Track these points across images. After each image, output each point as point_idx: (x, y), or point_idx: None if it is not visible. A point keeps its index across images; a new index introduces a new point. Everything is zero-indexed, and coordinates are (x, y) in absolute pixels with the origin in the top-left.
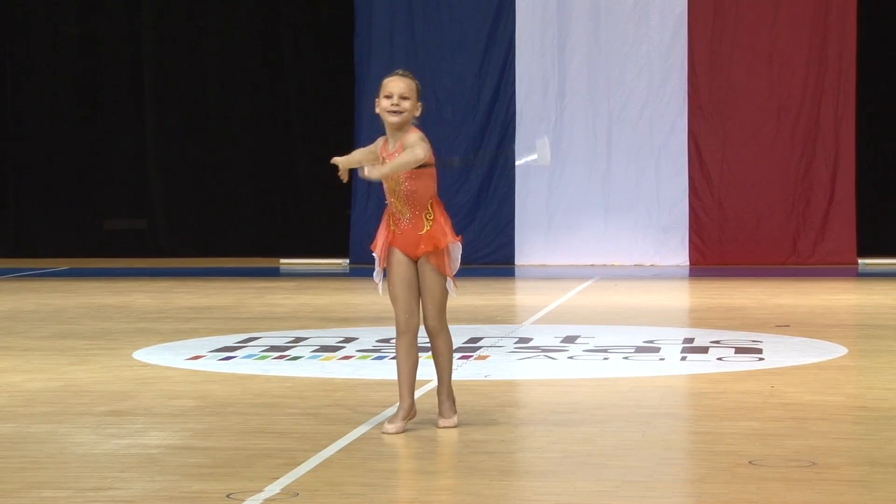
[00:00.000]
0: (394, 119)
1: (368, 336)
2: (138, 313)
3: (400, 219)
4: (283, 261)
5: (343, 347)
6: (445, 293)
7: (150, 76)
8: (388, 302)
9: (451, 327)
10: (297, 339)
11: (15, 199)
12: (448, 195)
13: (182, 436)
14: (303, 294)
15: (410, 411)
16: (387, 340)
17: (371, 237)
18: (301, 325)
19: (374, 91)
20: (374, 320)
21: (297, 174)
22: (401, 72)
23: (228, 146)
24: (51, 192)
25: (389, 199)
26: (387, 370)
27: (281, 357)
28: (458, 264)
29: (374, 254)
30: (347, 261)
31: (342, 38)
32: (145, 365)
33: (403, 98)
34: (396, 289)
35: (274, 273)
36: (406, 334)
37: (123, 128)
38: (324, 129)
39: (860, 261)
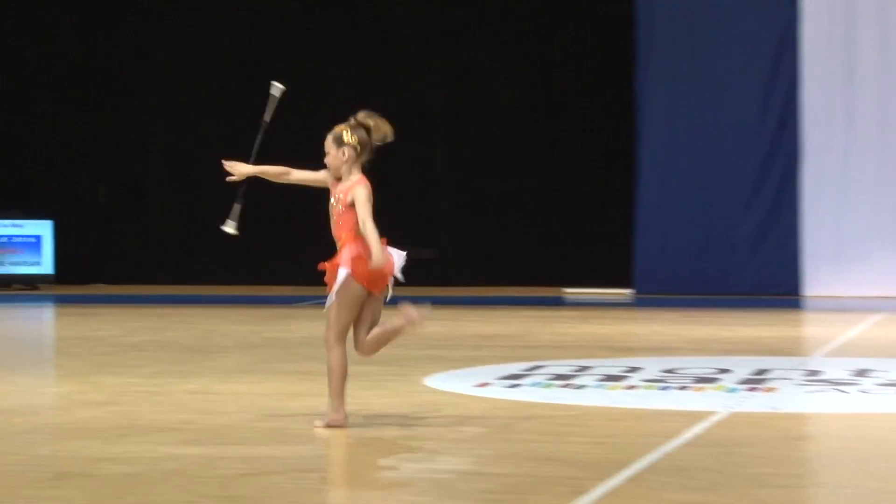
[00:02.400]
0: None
1: (653, 366)
2: (428, 341)
3: (337, 244)
4: (567, 290)
5: (628, 377)
6: (339, 310)
7: (437, 107)
8: (673, 332)
9: (736, 358)
10: (583, 368)
11: (311, 231)
12: (730, 226)
13: (471, 461)
14: (587, 323)
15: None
16: (672, 371)
17: (657, 266)
18: (586, 354)
19: (657, 122)
20: (659, 350)
21: (578, 204)
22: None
23: (512, 176)
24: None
25: (332, 226)
26: (673, 400)
27: (567, 385)
28: (348, 293)
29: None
30: (631, 290)
31: (622, 68)
32: (435, 391)
33: (326, 153)
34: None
35: (558, 302)
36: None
37: (411, 158)
38: (604, 160)
39: None
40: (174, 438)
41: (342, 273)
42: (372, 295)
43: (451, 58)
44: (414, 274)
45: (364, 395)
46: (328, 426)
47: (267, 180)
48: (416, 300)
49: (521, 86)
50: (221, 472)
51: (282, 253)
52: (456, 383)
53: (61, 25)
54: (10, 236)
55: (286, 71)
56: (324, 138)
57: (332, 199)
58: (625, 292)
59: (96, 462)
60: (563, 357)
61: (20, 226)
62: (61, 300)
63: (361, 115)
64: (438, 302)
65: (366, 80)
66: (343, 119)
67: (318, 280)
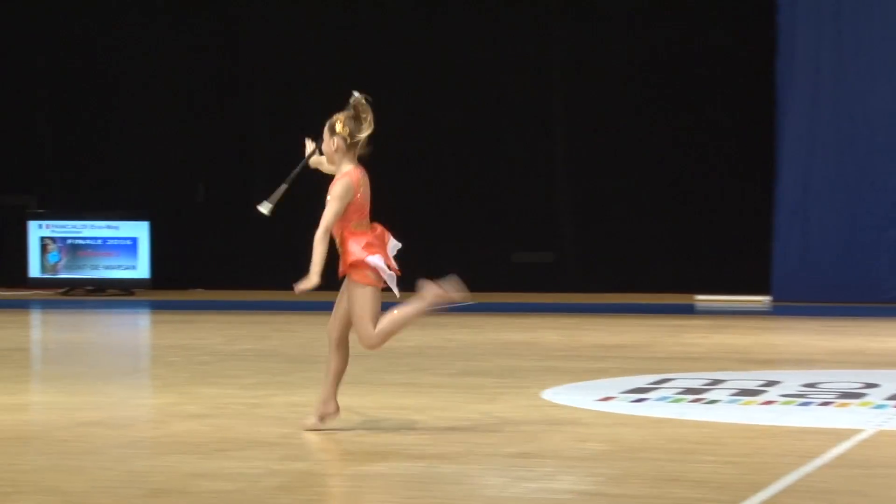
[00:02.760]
0: None
1: (792, 380)
2: (546, 351)
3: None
4: (698, 297)
5: (765, 391)
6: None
7: (558, 106)
8: (814, 343)
9: (884, 372)
10: (715, 382)
11: (420, 233)
12: (876, 229)
13: (593, 481)
14: (720, 333)
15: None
16: (813, 385)
17: (797, 272)
18: (718, 366)
19: (798, 118)
20: (799, 363)
21: (713, 205)
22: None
23: (638, 176)
24: (456, 224)
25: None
26: (813, 417)
27: (697, 400)
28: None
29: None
30: (769, 298)
31: (761, 59)
32: (554, 405)
33: (323, 139)
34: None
35: (688, 310)
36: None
37: (532, 158)
38: (741, 158)
39: None
40: (275, 454)
41: (351, 286)
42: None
43: (571, 49)
44: (531, 278)
45: (479, 410)
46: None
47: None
48: (532, 308)
49: (647, 79)
50: (323, 489)
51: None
52: (576, 397)
53: (156, 22)
54: (104, 238)
55: (405, 67)
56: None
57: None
58: (762, 300)
59: (193, 478)
60: (694, 370)
61: (115, 227)
62: (158, 306)
63: (357, 98)
64: (557, 309)
65: (484, 75)
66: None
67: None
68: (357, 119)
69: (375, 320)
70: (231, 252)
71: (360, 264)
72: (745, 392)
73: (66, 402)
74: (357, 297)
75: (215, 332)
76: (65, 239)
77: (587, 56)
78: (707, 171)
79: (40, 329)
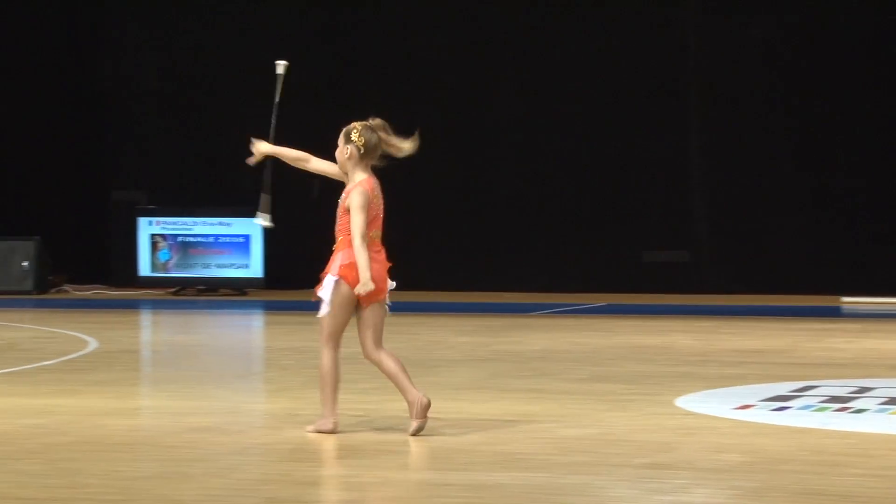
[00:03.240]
0: None
1: None
2: (680, 356)
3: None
4: (844, 299)
5: None
6: (328, 318)
7: (693, 98)
8: None
9: None
10: (862, 390)
11: (548, 232)
12: None
13: (730, 494)
14: (868, 337)
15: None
16: None
17: None
18: (866, 373)
19: None
20: None
21: (860, 201)
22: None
23: (778, 170)
24: (585, 223)
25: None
26: None
27: (843, 409)
28: (336, 301)
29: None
30: None
31: None
32: (688, 413)
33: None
34: None
35: (834, 313)
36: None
37: (663, 151)
38: (890, 151)
39: None
40: (394, 462)
41: (329, 280)
42: (366, 304)
43: (706, 40)
44: (664, 279)
45: (608, 418)
46: (317, 431)
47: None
48: (665, 310)
49: (786, 70)
50: (444, 500)
51: (514, 256)
52: (713, 405)
53: (281, 14)
54: (216, 236)
55: (542, 62)
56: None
57: (341, 197)
58: None
59: (307, 487)
60: (839, 376)
61: (228, 224)
62: (271, 307)
63: (377, 122)
64: (692, 312)
65: (618, 69)
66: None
67: (557, 286)
68: (373, 130)
69: (340, 326)
70: None
71: (353, 270)
72: (895, 401)
73: (177, 406)
74: (336, 294)
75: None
76: (175, 236)
77: (723, 47)
78: (853, 166)
79: (150, 330)
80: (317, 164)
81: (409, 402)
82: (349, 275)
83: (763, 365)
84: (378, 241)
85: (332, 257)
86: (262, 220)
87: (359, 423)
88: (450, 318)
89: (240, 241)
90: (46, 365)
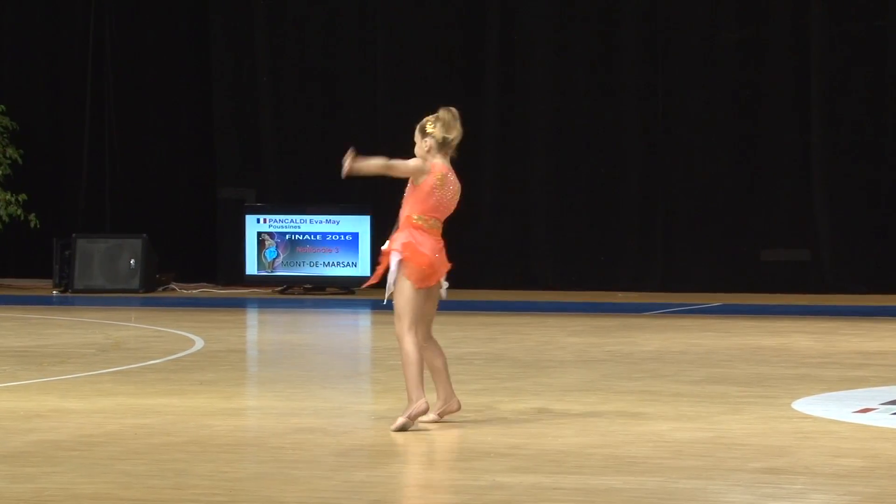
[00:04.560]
0: None
1: None
2: (799, 357)
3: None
4: None
5: None
6: (400, 303)
7: (815, 89)
8: None
9: None
10: None
11: (664, 230)
12: None
13: (849, 500)
14: None
15: (448, 405)
16: None
17: None
18: None
19: None
20: None
21: None
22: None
23: None
24: (701, 221)
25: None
26: None
27: None
28: (404, 283)
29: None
30: None
31: None
32: (806, 417)
33: (415, 143)
34: None
35: None
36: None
37: (785, 146)
38: None
39: None
40: (503, 465)
41: (394, 260)
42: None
43: (828, 32)
44: (783, 278)
45: (723, 421)
46: (409, 418)
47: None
48: (783, 310)
49: None
50: (555, 503)
51: (628, 255)
52: (832, 408)
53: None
54: (324, 234)
55: (645, 51)
56: None
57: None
58: None
59: (414, 490)
60: None
61: (335, 222)
62: (379, 306)
63: (449, 112)
64: (811, 312)
65: (737, 63)
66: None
67: (672, 286)
68: (444, 122)
69: (418, 309)
70: (456, 248)
71: (414, 249)
72: None
73: (283, 406)
74: (406, 277)
75: (439, 334)
76: (283, 234)
77: (845, 37)
78: None
79: (257, 329)
80: (396, 167)
81: (409, 400)
82: (410, 255)
83: (885, 367)
84: (439, 230)
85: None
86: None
87: (467, 423)
88: (561, 317)
89: (348, 240)
90: (152, 364)
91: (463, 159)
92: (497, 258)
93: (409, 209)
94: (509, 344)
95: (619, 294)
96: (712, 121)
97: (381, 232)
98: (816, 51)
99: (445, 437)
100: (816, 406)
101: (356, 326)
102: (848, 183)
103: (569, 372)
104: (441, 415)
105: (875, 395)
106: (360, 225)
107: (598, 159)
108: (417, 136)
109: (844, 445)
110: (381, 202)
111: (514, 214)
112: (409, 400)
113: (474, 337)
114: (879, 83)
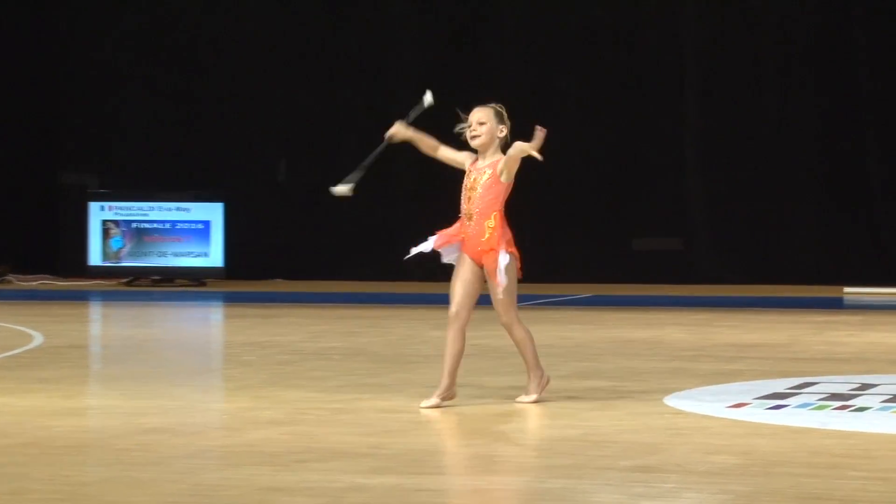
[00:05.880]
0: (474, 143)
1: None
2: (672, 350)
3: (468, 224)
4: (847, 290)
5: None
6: (509, 293)
7: (689, 80)
8: None
9: None
10: (864, 386)
11: (531, 217)
12: None
13: (722, 499)
14: (872, 330)
15: (447, 392)
16: None
17: None
18: (869, 368)
19: None
20: None
21: (865, 184)
22: (490, 103)
23: (778, 153)
24: (570, 208)
25: (462, 204)
26: None
27: (844, 407)
28: (512, 274)
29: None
30: None
31: None
32: (679, 412)
33: (480, 124)
34: (455, 284)
35: (836, 304)
36: (453, 325)
37: (659, 132)
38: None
39: None
40: (362, 466)
41: (504, 259)
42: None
43: (704, 28)
44: (655, 268)
45: (593, 417)
46: (539, 393)
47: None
48: (656, 301)
49: (787, 49)
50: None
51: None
52: (705, 403)
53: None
54: (173, 222)
55: (529, 41)
56: None
57: (472, 176)
58: None
59: (269, 493)
60: (841, 372)
61: (186, 209)
62: (232, 298)
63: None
64: (684, 303)
65: (607, 43)
66: None
67: (539, 276)
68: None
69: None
70: (316, 238)
71: (513, 246)
72: None
73: (129, 406)
74: (513, 272)
75: (297, 328)
76: (129, 223)
77: (722, 34)
78: (857, 146)
79: (101, 324)
80: (445, 153)
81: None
82: (516, 252)
83: (760, 360)
84: None
85: (460, 230)
86: (343, 189)
87: (325, 421)
88: (426, 310)
89: (199, 228)
90: None
91: (327, 141)
92: (357, 249)
93: (498, 204)
94: (370, 338)
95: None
96: (586, 107)
97: (234, 220)
98: (689, 38)
99: (302, 437)
100: (690, 401)
101: (207, 320)
102: (723, 171)
103: (433, 367)
104: (444, 399)
105: (749, 389)
106: (212, 213)
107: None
108: (492, 117)
109: (718, 442)
110: (235, 189)
111: (380, 201)
112: (531, 379)
113: (333, 330)
114: (755, 71)
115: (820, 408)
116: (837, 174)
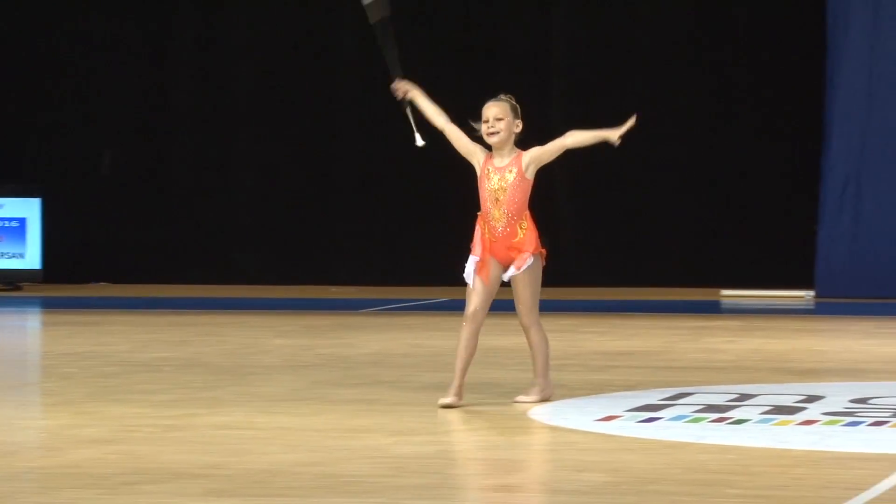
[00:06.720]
0: (492, 140)
1: (838, 394)
2: None
3: (495, 226)
4: (724, 292)
5: (804, 409)
6: (533, 295)
7: (555, 65)
8: (864, 349)
9: None
10: (743, 397)
11: (384, 216)
12: None
13: None
14: (751, 336)
15: (460, 391)
16: (863, 401)
17: (845, 263)
18: (748, 377)
19: (849, 93)
20: (847, 373)
21: (743, 182)
22: (501, 97)
23: (650, 148)
24: (426, 206)
25: (486, 206)
26: (863, 440)
27: (721, 420)
28: (537, 276)
29: (473, 255)
30: (811, 293)
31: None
32: (544, 426)
33: (498, 119)
34: (476, 284)
35: (713, 308)
36: (470, 325)
37: (525, 123)
38: (780, 121)
39: None
40: (198, 487)
41: (529, 259)
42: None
43: (572, 22)
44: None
45: (452, 432)
46: (542, 400)
47: None
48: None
49: (661, 32)
50: None
51: (343, 245)
52: (572, 416)
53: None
54: None
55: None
56: None
57: (495, 177)
58: (802, 295)
59: None
60: (718, 382)
61: None
62: (51, 304)
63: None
64: (550, 308)
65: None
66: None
67: (389, 279)
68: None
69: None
70: (143, 238)
71: (526, 258)
72: (779, 409)
73: None
74: (538, 274)
75: (123, 337)
76: None
77: (589, 29)
78: (736, 140)
79: None
80: (455, 133)
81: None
82: (543, 252)
83: (631, 369)
84: None
85: (506, 234)
86: (419, 141)
87: (155, 439)
88: (267, 316)
89: (14, 226)
90: None
91: (156, 131)
92: (189, 250)
93: (527, 203)
94: (205, 347)
95: (333, 289)
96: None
97: (52, 217)
98: (556, 28)
99: (129, 457)
100: (556, 414)
101: (23, 328)
102: (591, 168)
103: (275, 379)
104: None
105: (619, 400)
106: (28, 209)
107: (316, 144)
108: (508, 112)
109: (586, 458)
110: (54, 183)
111: (214, 198)
112: (536, 384)
113: (163, 339)
114: (615, 60)
115: (695, 420)
116: (713, 167)
